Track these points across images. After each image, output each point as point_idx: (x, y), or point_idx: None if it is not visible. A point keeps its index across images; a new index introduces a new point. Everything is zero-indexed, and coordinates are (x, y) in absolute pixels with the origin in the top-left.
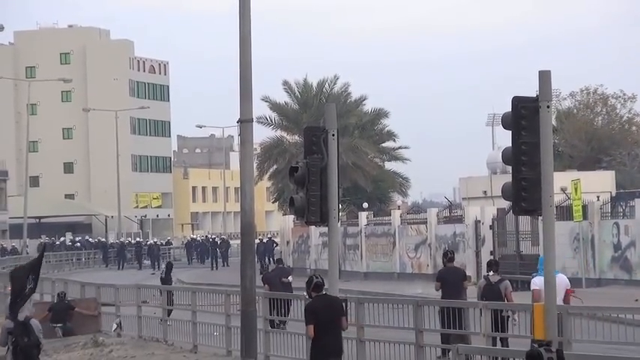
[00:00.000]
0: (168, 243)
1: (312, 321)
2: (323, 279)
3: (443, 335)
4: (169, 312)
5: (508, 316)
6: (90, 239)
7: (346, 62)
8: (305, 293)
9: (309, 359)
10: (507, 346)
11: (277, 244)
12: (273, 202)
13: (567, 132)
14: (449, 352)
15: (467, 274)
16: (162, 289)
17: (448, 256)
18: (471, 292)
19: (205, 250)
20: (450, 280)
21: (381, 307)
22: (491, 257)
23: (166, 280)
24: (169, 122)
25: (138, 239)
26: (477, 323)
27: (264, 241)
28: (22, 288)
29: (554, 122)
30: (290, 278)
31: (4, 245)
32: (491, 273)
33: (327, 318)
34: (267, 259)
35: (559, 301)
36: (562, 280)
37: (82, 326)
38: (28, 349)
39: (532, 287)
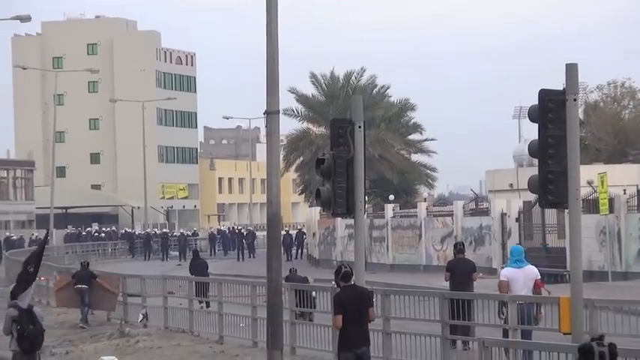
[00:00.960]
0: (195, 234)
1: (340, 311)
2: (352, 268)
3: (451, 326)
4: (207, 303)
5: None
6: (116, 230)
7: (373, 55)
8: (333, 282)
9: (337, 349)
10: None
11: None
12: (299, 194)
13: (594, 125)
14: (455, 342)
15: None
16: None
17: (458, 247)
18: (479, 285)
19: (228, 242)
20: (459, 271)
21: (407, 299)
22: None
23: (195, 265)
24: (196, 113)
25: (164, 230)
26: (483, 315)
27: (291, 232)
28: (28, 274)
29: (580, 115)
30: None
31: (37, 235)
32: None
33: (355, 308)
34: (297, 251)
35: (528, 291)
36: (532, 271)
37: (99, 301)
38: (34, 336)
39: (500, 278)
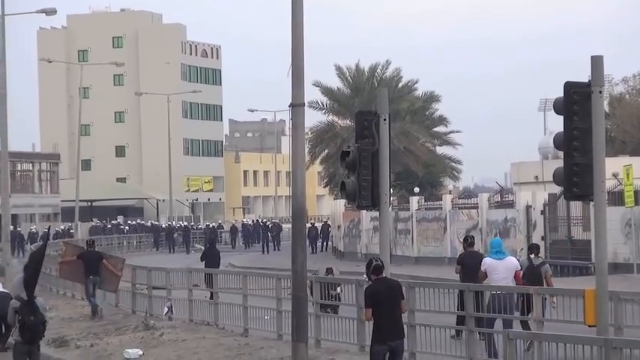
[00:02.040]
0: (220, 227)
1: (370, 304)
2: (382, 262)
3: (459, 317)
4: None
5: (545, 299)
6: (142, 223)
7: (397, 46)
8: (365, 276)
9: (370, 342)
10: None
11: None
12: (324, 187)
13: (619, 117)
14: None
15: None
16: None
17: (469, 241)
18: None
19: (249, 234)
20: (470, 264)
21: (431, 291)
22: (534, 241)
23: (208, 254)
24: (221, 106)
25: (185, 223)
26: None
27: (317, 224)
28: (36, 270)
29: (606, 107)
30: (339, 290)
31: (70, 229)
32: (532, 256)
33: (387, 301)
34: (322, 244)
35: (509, 282)
36: (512, 262)
37: (102, 281)
38: (35, 327)
39: (482, 267)
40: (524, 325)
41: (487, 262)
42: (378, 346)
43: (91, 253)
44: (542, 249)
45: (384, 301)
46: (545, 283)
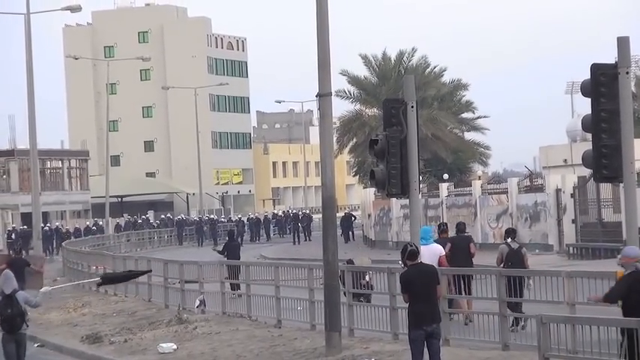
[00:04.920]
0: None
1: (407, 290)
2: (417, 247)
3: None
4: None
5: (524, 280)
6: (171, 217)
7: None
8: (400, 262)
9: (408, 329)
10: (521, 311)
11: (356, 218)
12: (353, 176)
13: None
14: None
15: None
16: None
17: (461, 227)
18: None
19: (267, 225)
20: (460, 245)
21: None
22: (510, 227)
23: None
24: (248, 98)
25: (212, 216)
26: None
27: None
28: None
29: (633, 88)
30: (367, 277)
31: (100, 223)
32: (509, 240)
33: (422, 286)
34: (348, 234)
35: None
36: (437, 248)
37: (28, 285)
38: (11, 319)
39: None
40: (514, 307)
41: None
42: (415, 332)
43: (18, 260)
44: (572, 232)
45: (419, 286)
46: (524, 266)
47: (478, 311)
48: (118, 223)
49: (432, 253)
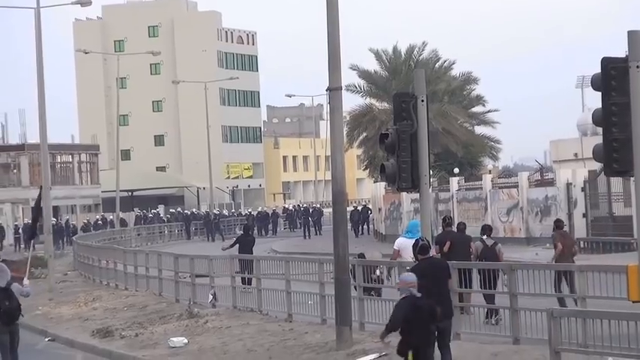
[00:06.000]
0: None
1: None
2: (429, 241)
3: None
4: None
5: (498, 275)
6: (181, 211)
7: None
8: (411, 256)
9: None
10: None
11: (371, 211)
12: (363, 170)
13: None
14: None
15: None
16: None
17: (461, 227)
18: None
19: (275, 220)
20: (460, 243)
21: (473, 272)
22: (486, 224)
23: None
24: (258, 92)
25: (215, 211)
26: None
27: (359, 208)
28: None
29: None
30: (378, 272)
31: (111, 218)
32: (485, 237)
33: (433, 281)
34: (362, 227)
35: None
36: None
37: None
38: (11, 312)
39: (394, 247)
40: (489, 298)
41: (399, 242)
42: None
43: None
44: (583, 226)
45: (431, 281)
46: (498, 261)
47: (488, 306)
48: (122, 217)
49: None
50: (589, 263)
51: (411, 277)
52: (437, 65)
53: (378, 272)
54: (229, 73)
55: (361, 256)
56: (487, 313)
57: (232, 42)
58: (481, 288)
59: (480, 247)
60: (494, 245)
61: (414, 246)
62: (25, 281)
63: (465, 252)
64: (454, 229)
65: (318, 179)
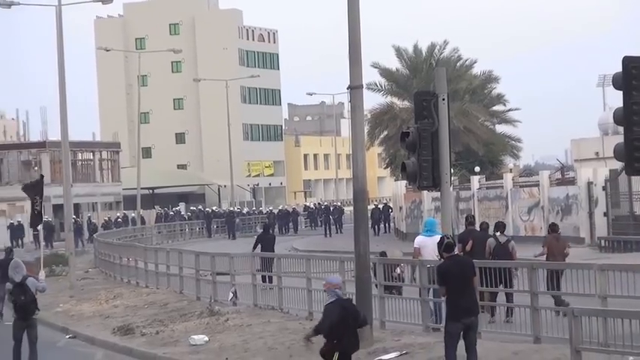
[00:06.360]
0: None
1: (444, 282)
2: (454, 239)
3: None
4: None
5: (511, 271)
6: (202, 209)
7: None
8: (436, 254)
9: (446, 320)
10: (512, 301)
11: (392, 210)
12: (384, 168)
13: None
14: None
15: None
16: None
17: (483, 226)
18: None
19: (287, 221)
20: (481, 242)
21: (494, 270)
22: (499, 221)
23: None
24: (279, 90)
25: (230, 209)
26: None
27: (379, 207)
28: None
29: None
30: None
31: (133, 215)
32: (498, 233)
33: (459, 278)
34: (383, 225)
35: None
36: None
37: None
38: (26, 306)
39: (414, 245)
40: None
41: (418, 240)
42: (453, 324)
43: (7, 261)
44: (604, 225)
45: (457, 279)
46: (511, 258)
47: (509, 304)
48: (141, 216)
49: (435, 243)
50: (610, 262)
51: (336, 279)
52: (458, 64)
53: (398, 270)
54: (250, 71)
55: (383, 254)
56: (507, 311)
57: (253, 40)
58: (490, 286)
59: (493, 244)
60: (507, 242)
61: (439, 244)
62: (41, 276)
63: (482, 248)
64: (477, 227)
65: (339, 178)
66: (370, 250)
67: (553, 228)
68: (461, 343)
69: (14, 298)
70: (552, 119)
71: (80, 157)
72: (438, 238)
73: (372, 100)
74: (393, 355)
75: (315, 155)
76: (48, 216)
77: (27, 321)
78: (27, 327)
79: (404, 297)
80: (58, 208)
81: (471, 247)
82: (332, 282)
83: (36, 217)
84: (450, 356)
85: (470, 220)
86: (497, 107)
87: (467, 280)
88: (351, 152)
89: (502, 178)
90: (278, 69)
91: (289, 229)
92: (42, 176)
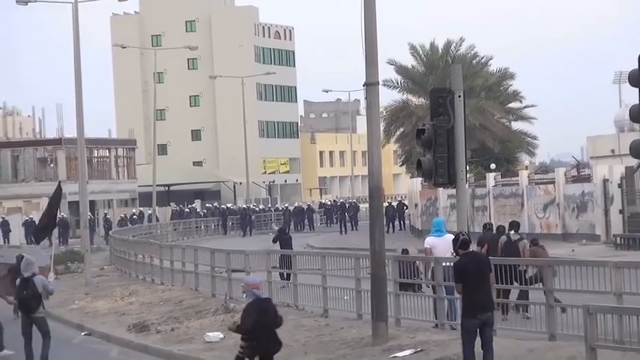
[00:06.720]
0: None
1: (461, 279)
2: (470, 236)
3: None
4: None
5: (525, 270)
6: (218, 206)
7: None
8: (451, 251)
9: (462, 316)
10: (527, 298)
11: (407, 207)
12: (400, 165)
13: None
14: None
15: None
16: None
17: (500, 229)
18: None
19: (302, 219)
20: (493, 243)
21: (509, 267)
22: (514, 220)
23: (281, 240)
24: (295, 87)
25: (243, 206)
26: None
27: (393, 204)
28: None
29: None
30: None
31: (149, 212)
32: (512, 232)
33: (476, 275)
34: (398, 222)
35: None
36: (451, 238)
37: None
38: (27, 301)
39: (425, 246)
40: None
41: (429, 241)
42: (469, 321)
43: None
44: (619, 222)
45: (473, 275)
46: (519, 256)
47: (524, 302)
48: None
49: (447, 243)
50: (625, 260)
51: (253, 279)
52: (474, 61)
53: (421, 267)
54: (266, 68)
55: (405, 251)
56: (521, 307)
57: (269, 37)
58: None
59: (503, 242)
60: (518, 241)
61: (454, 241)
62: (50, 278)
63: (496, 249)
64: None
65: (355, 175)
66: (385, 248)
67: (534, 242)
68: (477, 340)
69: (17, 292)
70: (568, 116)
71: (96, 154)
72: (448, 237)
73: (388, 97)
74: (408, 352)
75: (330, 152)
76: (64, 213)
77: (30, 317)
78: (34, 323)
79: (419, 294)
80: (73, 205)
81: (487, 250)
82: (249, 282)
83: (40, 232)
84: (467, 353)
85: (488, 228)
86: (513, 104)
87: (483, 276)
88: (366, 149)
89: (518, 176)
90: (294, 66)
91: (305, 226)
92: (60, 186)
